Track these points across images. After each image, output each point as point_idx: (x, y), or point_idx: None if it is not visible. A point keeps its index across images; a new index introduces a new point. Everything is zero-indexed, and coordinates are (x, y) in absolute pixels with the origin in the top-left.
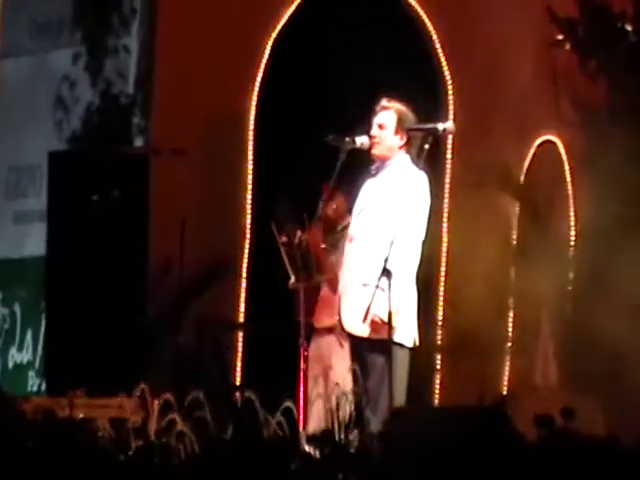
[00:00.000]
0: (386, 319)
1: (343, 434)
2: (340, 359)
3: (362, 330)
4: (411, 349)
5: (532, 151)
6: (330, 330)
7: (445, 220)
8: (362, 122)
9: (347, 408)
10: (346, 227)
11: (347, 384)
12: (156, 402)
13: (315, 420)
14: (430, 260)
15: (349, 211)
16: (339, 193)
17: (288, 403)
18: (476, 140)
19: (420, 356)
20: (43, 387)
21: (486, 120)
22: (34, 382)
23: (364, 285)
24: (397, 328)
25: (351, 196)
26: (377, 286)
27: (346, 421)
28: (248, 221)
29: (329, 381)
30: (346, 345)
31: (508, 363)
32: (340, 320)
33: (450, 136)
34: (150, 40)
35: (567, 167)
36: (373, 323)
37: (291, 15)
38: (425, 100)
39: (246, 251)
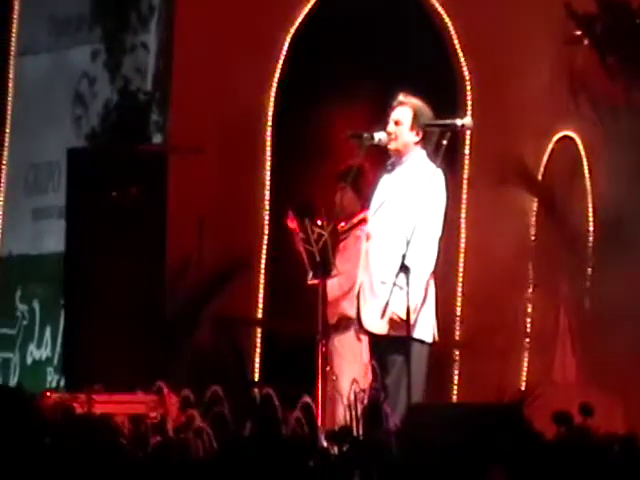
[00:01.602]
0: (404, 317)
1: (361, 430)
2: (337, 356)
3: (381, 327)
4: (430, 345)
5: (550, 147)
6: (335, 328)
7: (463, 216)
8: (380, 118)
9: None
10: (354, 226)
11: (346, 381)
12: (175, 398)
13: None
14: (448, 256)
15: (361, 208)
16: (350, 191)
17: (307, 399)
18: (494, 136)
19: (439, 352)
20: (62, 383)
21: (504, 116)
22: (53, 378)
23: (382, 283)
24: (415, 325)
25: (364, 194)
26: (395, 284)
27: (361, 417)
28: (266, 218)
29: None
30: (351, 344)
31: (526, 359)
32: (359, 317)
33: (468, 132)
34: (168, 37)
35: (585, 163)
36: (391, 321)
37: (309, 11)
38: (443, 96)
39: (264, 248)
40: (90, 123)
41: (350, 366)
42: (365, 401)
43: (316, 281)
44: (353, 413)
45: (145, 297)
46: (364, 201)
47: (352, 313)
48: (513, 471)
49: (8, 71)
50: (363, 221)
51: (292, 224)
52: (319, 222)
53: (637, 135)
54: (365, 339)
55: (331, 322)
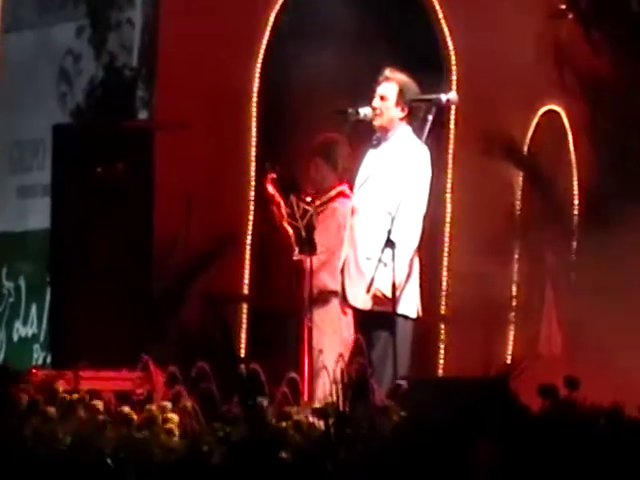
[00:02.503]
0: (388, 293)
1: (347, 405)
2: (317, 330)
3: (365, 302)
4: (414, 320)
5: (535, 121)
6: (314, 302)
7: (448, 191)
8: (366, 93)
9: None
10: (330, 199)
11: (330, 356)
12: (162, 375)
13: None
14: (434, 230)
15: (337, 182)
16: (325, 165)
17: (293, 375)
18: (479, 110)
19: (424, 326)
20: (48, 360)
21: (489, 90)
22: (39, 355)
23: (367, 259)
24: (399, 300)
25: (339, 168)
26: (380, 259)
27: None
28: (252, 194)
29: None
30: (331, 318)
31: (512, 333)
32: (344, 293)
33: (453, 107)
34: (154, 13)
35: (570, 136)
36: (375, 297)
37: None
38: (428, 71)
39: (250, 224)
40: (75, 100)
41: (330, 340)
42: (348, 376)
43: (302, 257)
44: (339, 388)
45: (132, 274)
46: (339, 175)
47: (332, 286)
48: (500, 444)
49: None
50: (340, 194)
51: (272, 189)
52: (306, 198)
53: (622, 109)
54: (349, 313)
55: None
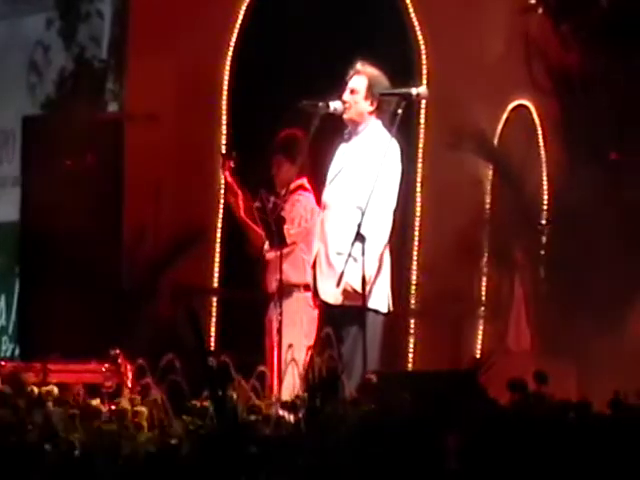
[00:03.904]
0: (358, 288)
1: (317, 399)
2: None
3: (336, 297)
4: (385, 314)
5: (505, 115)
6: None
7: (418, 185)
8: (337, 87)
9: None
10: (291, 193)
11: (298, 349)
12: (131, 367)
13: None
14: (404, 225)
15: (297, 176)
16: (286, 160)
17: (263, 368)
18: (449, 105)
19: (394, 320)
20: (17, 352)
21: (459, 84)
22: (7, 347)
23: (338, 254)
24: (370, 295)
25: (299, 162)
26: (350, 254)
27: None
28: (222, 186)
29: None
30: (293, 312)
31: (481, 328)
32: (315, 287)
33: (423, 101)
34: (123, 5)
35: (540, 131)
36: (345, 291)
37: None
38: (399, 65)
39: (220, 216)
40: (45, 91)
41: (291, 333)
42: (317, 369)
43: (272, 251)
44: (308, 381)
45: (102, 265)
46: (300, 170)
47: (295, 279)
48: (468, 436)
49: None
50: (299, 187)
51: (228, 176)
52: (275, 192)
53: (592, 104)
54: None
55: (273, 289)
